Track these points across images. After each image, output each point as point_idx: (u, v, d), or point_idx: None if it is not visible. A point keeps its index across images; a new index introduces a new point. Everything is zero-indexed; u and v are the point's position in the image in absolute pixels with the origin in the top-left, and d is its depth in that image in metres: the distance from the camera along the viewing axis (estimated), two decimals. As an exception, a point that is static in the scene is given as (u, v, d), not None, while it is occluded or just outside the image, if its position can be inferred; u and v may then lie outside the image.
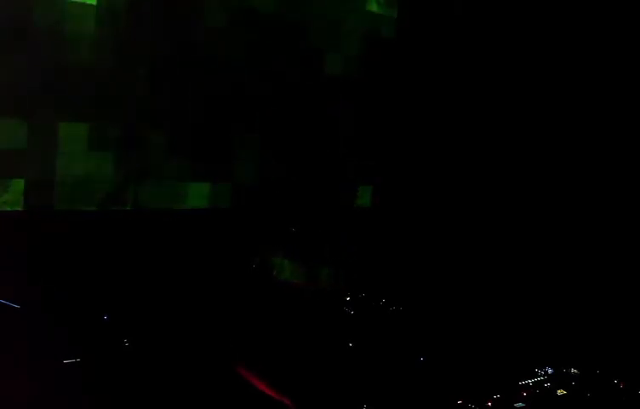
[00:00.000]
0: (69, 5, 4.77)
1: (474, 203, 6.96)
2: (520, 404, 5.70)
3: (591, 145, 6.66)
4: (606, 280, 6.52)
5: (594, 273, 6.53)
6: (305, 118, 6.40)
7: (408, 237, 6.87)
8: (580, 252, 6.63)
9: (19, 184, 4.79)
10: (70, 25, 4.81)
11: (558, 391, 5.90)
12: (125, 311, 4.99)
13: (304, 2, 6.17)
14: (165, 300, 5.28)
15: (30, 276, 4.74)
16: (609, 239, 6.61)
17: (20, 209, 4.78)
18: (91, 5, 4.88)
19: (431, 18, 6.94)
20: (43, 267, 4.89)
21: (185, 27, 5.49)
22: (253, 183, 6.15)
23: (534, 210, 6.89)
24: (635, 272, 6.37)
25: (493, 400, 5.48)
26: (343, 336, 5.63)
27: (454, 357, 5.78)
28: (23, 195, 4.80)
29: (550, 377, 5.99)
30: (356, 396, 4.87)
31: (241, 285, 5.94)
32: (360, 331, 5.84)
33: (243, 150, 6.07)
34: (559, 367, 6.06)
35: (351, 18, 6.55)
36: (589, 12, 6.39)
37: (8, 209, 4.72)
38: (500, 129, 6.95)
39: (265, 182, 6.22)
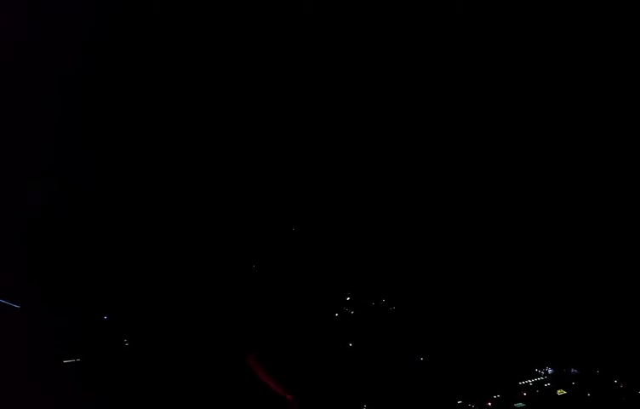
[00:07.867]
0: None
1: (474, 202, 6.97)
2: (520, 404, 5.71)
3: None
4: (606, 280, 6.53)
5: (594, 273, 6.53)
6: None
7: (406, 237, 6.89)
8: (579, 252, 6.64)
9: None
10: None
11: (558, 391, 5.92)
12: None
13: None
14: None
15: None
16: (609, 239, 6.61)
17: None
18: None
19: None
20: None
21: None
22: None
23: (534, 211, 6.90)
24: (635, 272, 6.38)
25: (493, 400, 5.50)
26: (343, 337, 5.64)
27: (453, 357, 5.79)
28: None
29: (550, 377, 6.00)
30: (356, 396, 4.89)
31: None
32: (360, 331, 5.85)
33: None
34: (559, 367, 6.07)
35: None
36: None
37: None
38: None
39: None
